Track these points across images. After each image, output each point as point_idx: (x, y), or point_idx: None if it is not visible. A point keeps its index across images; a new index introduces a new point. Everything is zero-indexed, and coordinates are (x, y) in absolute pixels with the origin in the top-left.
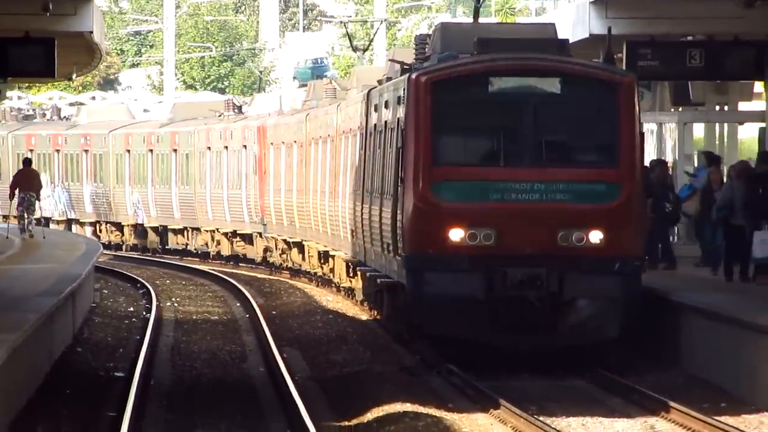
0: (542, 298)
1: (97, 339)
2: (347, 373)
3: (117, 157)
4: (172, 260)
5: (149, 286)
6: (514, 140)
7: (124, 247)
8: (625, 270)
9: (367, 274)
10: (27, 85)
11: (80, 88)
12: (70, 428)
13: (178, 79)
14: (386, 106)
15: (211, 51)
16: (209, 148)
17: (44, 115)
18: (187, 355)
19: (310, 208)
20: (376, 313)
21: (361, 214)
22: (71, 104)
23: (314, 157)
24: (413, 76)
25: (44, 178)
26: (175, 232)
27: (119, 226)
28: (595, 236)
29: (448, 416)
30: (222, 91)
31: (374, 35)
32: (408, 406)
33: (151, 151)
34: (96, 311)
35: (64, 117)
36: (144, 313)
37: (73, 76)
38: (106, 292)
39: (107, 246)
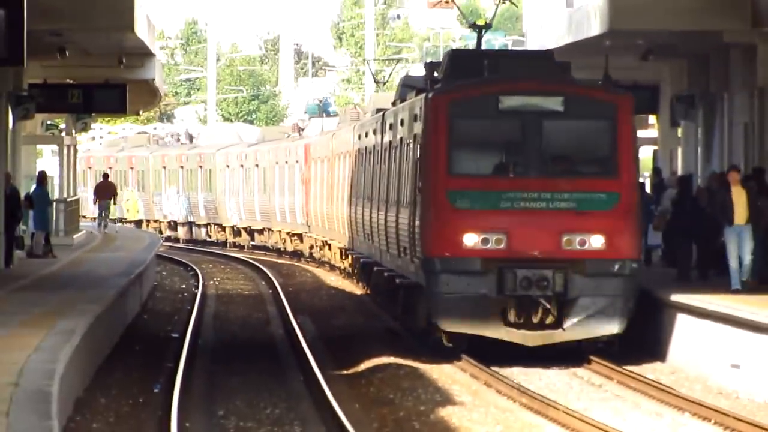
0: (548, 297)
1: (158, 309)
2: (345, 334)
3: (220, 172)
4: (215, 249)
5: (197, 270)
6: (521, 153)
7: (227, 243)
8: (624, 271)
9: (385, 273)
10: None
11: (145, 120)
12: (139, 375)
13: (218, 113)
14: (401, 124)
15: (243, 92)
16: (277, 163)
17: (178, 139)
18: (225, 321)
19: (333, 213)
20: (368, 290)
21: (377, 220)
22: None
23: (337, 170)
24: (431, 95)
25: (174, 189)
26: (259, 231)
27: (223, 227)
28: (596, 240)
29: (422, 366)
30: (251, 123)
31: (391, 73)
32: (392, 359)
33: (242, 166)
34: (157, 288)
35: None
36: (193, 289)
37: (140, 112)
38: (165, 273)
39: (214, 243)
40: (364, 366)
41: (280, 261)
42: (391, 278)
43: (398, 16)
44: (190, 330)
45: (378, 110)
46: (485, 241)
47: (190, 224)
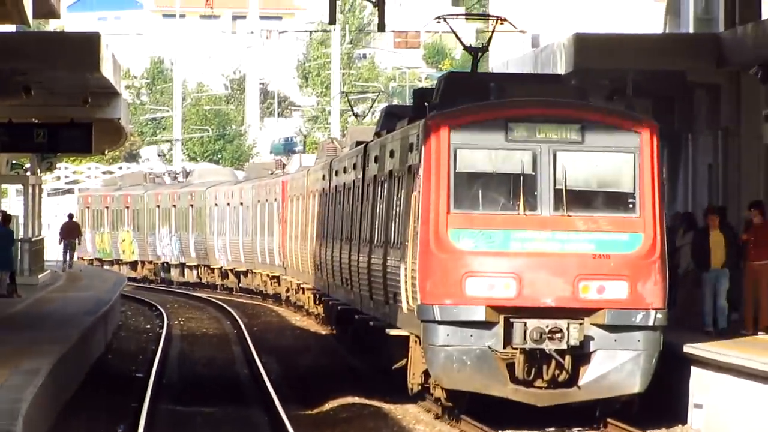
0: (563, 351)
1: (123, 348)
2: (310, 373)
3: (209, 210)
4: (178, 289)
5: (162, 309)
6: (533, 188)
7: (218, 286)
8: (648, 322)
9: (371, 323)
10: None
11: (110, 160)
12: (104, 415)
13: (183, 153)
14: (391, 156)
15: (208, 132)
16: (258, 201)
17: (175, 177)
18: (190, 360)
19: (308, 255)
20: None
21: (359, 263)
22: (103, 172)
23: (312, 208)
24: (431, 121)
25: (166, 229)
26: (244, 273)
27: (212, 269)
28: (617, 287)
29: (386, 406)
30: (216, 162)
31: (371, 106)
32: (356, 399)
33: (228, 204)
34: (122, 328)
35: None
36: (158, 329)
37: (106, 151)
38: (129, 312)
39: (204, 285)
40: (329, 406)
41: (244, 301)
42: (377, 329)
43: (364, 56)
44: (155, 370)
45: (358, 143)
46: (491, 287)
47: (182, 266)
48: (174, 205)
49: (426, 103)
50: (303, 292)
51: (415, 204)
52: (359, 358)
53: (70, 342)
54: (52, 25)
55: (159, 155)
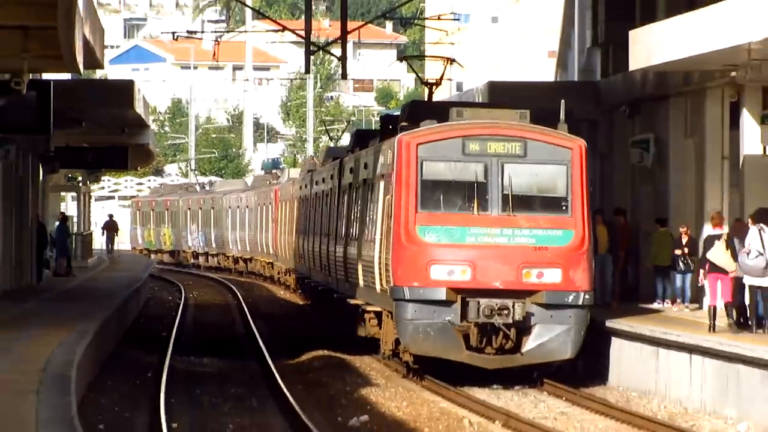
0: (509, 325)
1: (151, 314)
2: (291, 333)
3: (225, 212)
4: (193, 271)
5: (181, 285)
6: (485, 193)
7: (232, 270)
8: (578, 302)
9: (350, 302)
10: (113, 173)
11: (141, 174)
12: (136, 365)
13: (197, 169)
14: (365, 167)
15: (215, 153)
16: (259, 204)
17: (204, 186)
18: (202, 324)
19: (294, 246)
20: (310, 302)
21: (336, 253)
22: (138, 184)
23: (297, 210)
24: (403, 138)
25: (194, 226)
26: (249, 260)
27: (227, 257)
28: (553, 273)
29: (349, 357)
30: (221, 177)
31: (343, 131)
32: (326, 352)
33: (238, 207)
34: (151, 299)
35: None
36: (177, 300)
37: (138, 168)
38: (156, 288)
39: (222, 269)
40: (305, 357)
41: (241, 279)
42: (354, 306)
43: (331, 97)
44: (175, 330)
45: (334, 158)
46: (451, 272)
47: (206, 254)
48: (200, 208)
49: (390, 126)
50: (289, 275)
51: (389, 205)
52: (329, 324)
53: (112, 310)
54: (98, 74)
55: (178, 171)
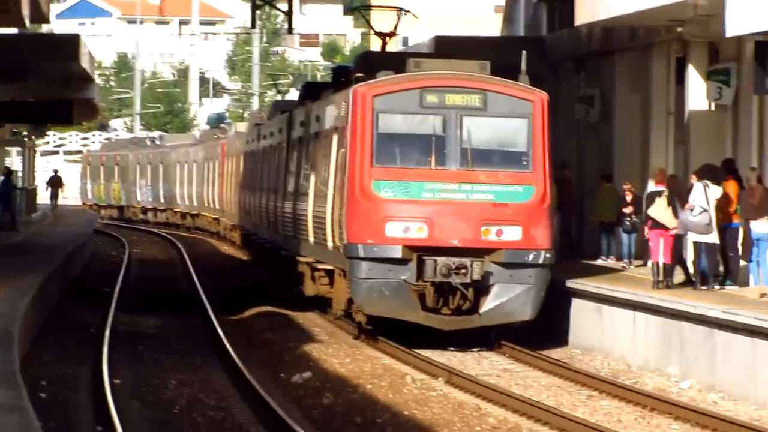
0: (467, 285)
1: (95, 270)
2: (236, 290)
3: (173, 167)
4: (137, 226)
5: (125, 241)
6: (443, 147)
7: (180, 227)
8: (538, 261)
9: (303, 260)
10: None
11: (87, 129)
12: (80, 320)
13: (142, 124)
14: (317, 120)
15: (160, 108)
16: (206, 159)
17: (153, 141)
18: (145, 279)
19: (240, 202)
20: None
21: (284, 210)
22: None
23: (243, 165)
24: (358, 90)
25: (143, 181)
26: (195, 215)
27: (175, 212)
28: (513, 231)
29: (292, 313)
30: (166, 131)
31: (292, 83)
32: (269, 308)
33: (186, 162)
34: (94, 254)
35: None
36: (121, 255)
37: (83, 123)
38: (100, 243)
39: (170, 224)
40: (249, 313)
41: (186, 234)
42: (302, 264)
43: (277, 52)
44: (118, 286)
45: (282, 111)
46: (407, 229)
47: (155, 209)
48: (149, 163)
49: (343, 78)
50: (235, 231)
51: (343, 159)
52: (275, 282)
53: (55, 265)
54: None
55: (123, 126)
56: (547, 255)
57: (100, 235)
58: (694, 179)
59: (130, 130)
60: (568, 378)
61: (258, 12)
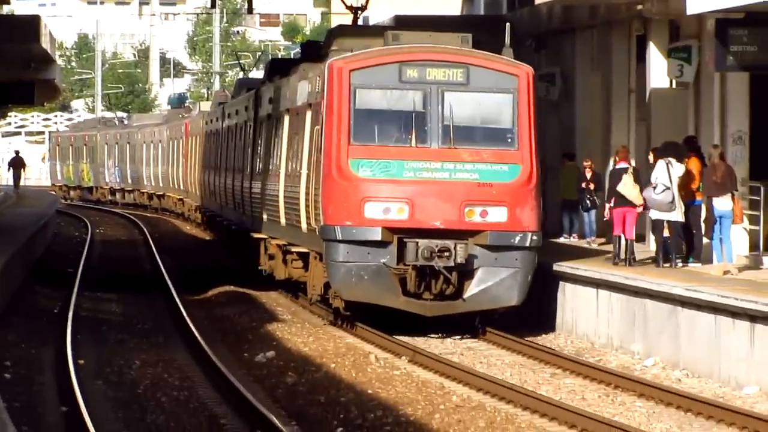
0: (450, 268)
1: (58, 250)
2: (200, 268)
3: (140, 147)
4: (102, 207)
5: (87, 221)
6: (424, 123)
7: (147, 208)
8: (525, 243)
9: (274, 242)
10: (20, 108)
11: (49, 110)
12: (44, 300)
13: (103, 104)
14: (288, 96)
15: (121, 89)
16: (171, 139)
17: (122, 121)
18: (109, 259)
19: (204, 183)
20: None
21: (253, 190)
22: (44, 119)
23: (207, 145)
24: (333, 63)
25: (111, 161)
26: (161, 196)
27: (142, 193)
28: (498, 212)
29: (255, 293)
30: (127, 112)
31: (257, 61)
32: (233, 288)
33: (152, 142)
34: (57, 235)
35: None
36: (84, 235)
37: (45, 104)
38: (63, 224)
39: (138, 205)
40: (211, 292)
41: (150, 215)
42: (274, 246)
43: (238, 32)
44: (81, 266)
45: (248, 89)
46: (387, 210)
47: (122, 190)
48: (117, 143)
49: (313, 54)
50: (199, 212)
51: (318, 137)
52: (242, 266)
53: (18, 245)
54: (4, 10)
55: (85, 107)
56: (534, 237)
57: (63, 215)
58: (651, 158)
59: (92, 110)
60: (532, 356)
61: None
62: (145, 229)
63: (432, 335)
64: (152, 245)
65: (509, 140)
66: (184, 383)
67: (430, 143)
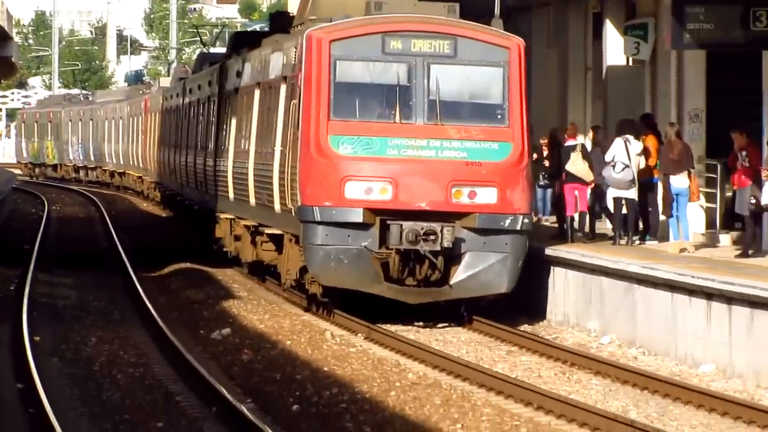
0: (436, 253)
1: (15, 227)
2: (156, 245)
3: (102, 123)
4: (58, 183)
5: (44, 198)
6: (409, 98)
7: (109, 186)
8: (516, 226)
9: (242, 223)
10: None
11: (5, 87)
12: (1, 275)
13: (59, 82)
14: (258, 69)
15: (78, 66)
16: (131, 116)
17: (87, 97)
18: (65, 237)
19: (163, 161)
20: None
21: (220, 169)
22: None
23: (167, 121)
24: (312, 34)
25: (74, 138)
26: (121, 174)
27: (104, 171)
28: (487, 193)
29: (211, 270)
30: (84, 89)
31: (218, 34)
32: (189, 265)
33: (113, 118)
34: (14, 212)
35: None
36: (40, 212)
37: (1, 81)
38: (19, 200)
39: (101, 183)
40: (168, 270)
41: (105, 192)
42: (241, 227)
43: (195, 9)
44: (38, 244)
45: (211, 63)
46: (369, 191)
47: (86, 168)
48: (80, 119)
49: (282, 25)
50: (156, 190)
51: (295, 112)
52: (205, 248)
53: None
54: None
55: (42, 84)
56: (526, 220)
57: (20, 192)
58: (589, 136)
59: (49, 87)
60: (488, 333)
61: None
62: (101, 207)
63: (416, 324)
64: (109, 223)
65: (499, 117)
66: (140, 360)
67: (416, 119)
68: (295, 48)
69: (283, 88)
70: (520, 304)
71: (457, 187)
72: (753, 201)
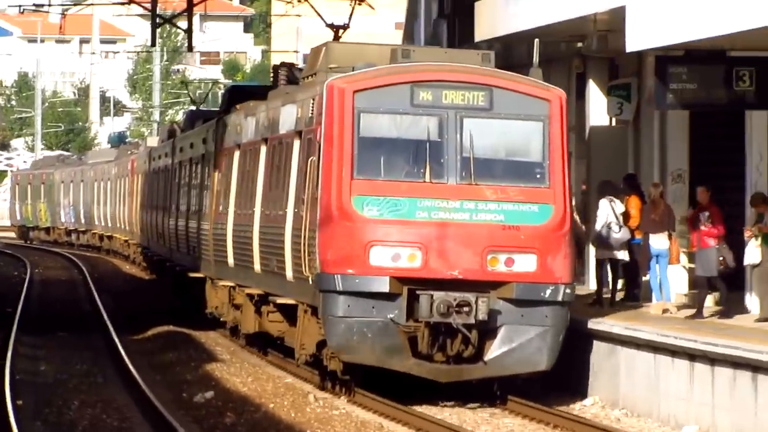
0: (470, 326)
1: None
2: (139, 308)
3: (91, 184)
4: (41, 246)
5: (26, 261)
6: (440, 155)
7: (99, 249)
8: (557, 297)
9: (246, 291)
10: None
11: None
12: None
13: (42, 143)
14: (266, 125)
15: (61, 127)
16: (119, 177)
17: (80, 158)
18: (48, 300)
19: (152, 224)
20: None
21: (212, 233)
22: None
23: (157, 182)
24: (333, 84)
25: (66, 200)
26: (109, 237)
27: (94, 234)
28: (526, 260)
29: (194, 333)
30: (68, 150)
31: (207, 94)
32: (172, 328)
33: (102, 179)
34: None
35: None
36: (23, 275)
37: None
38: (1, 264)
39: (90, 247)
40: (151, 332)
41: (89, 254)
42: (242, 296)
43: (178, 70)
44: (20, 306)
45: (206, 120)
46: (396, 257)
47: (77, 231)
48: (72, 181)
49: (287, 77)
50: (142, 254)
51: (313, 170)
52: (198, 318)
53: None
54: None
55: (24, 145)
56: (568, 290)
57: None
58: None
59: (31, 149)
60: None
61: (158, 30)
62: (84, 270)
63: (445, 403)
64: (92, 286)
65: (539, 176)
66: (123, 424)
67: (447, 178)
68: (313, 99)
69: (297, 143)
70: None
71: (493, 254)
72: (722, 259)
